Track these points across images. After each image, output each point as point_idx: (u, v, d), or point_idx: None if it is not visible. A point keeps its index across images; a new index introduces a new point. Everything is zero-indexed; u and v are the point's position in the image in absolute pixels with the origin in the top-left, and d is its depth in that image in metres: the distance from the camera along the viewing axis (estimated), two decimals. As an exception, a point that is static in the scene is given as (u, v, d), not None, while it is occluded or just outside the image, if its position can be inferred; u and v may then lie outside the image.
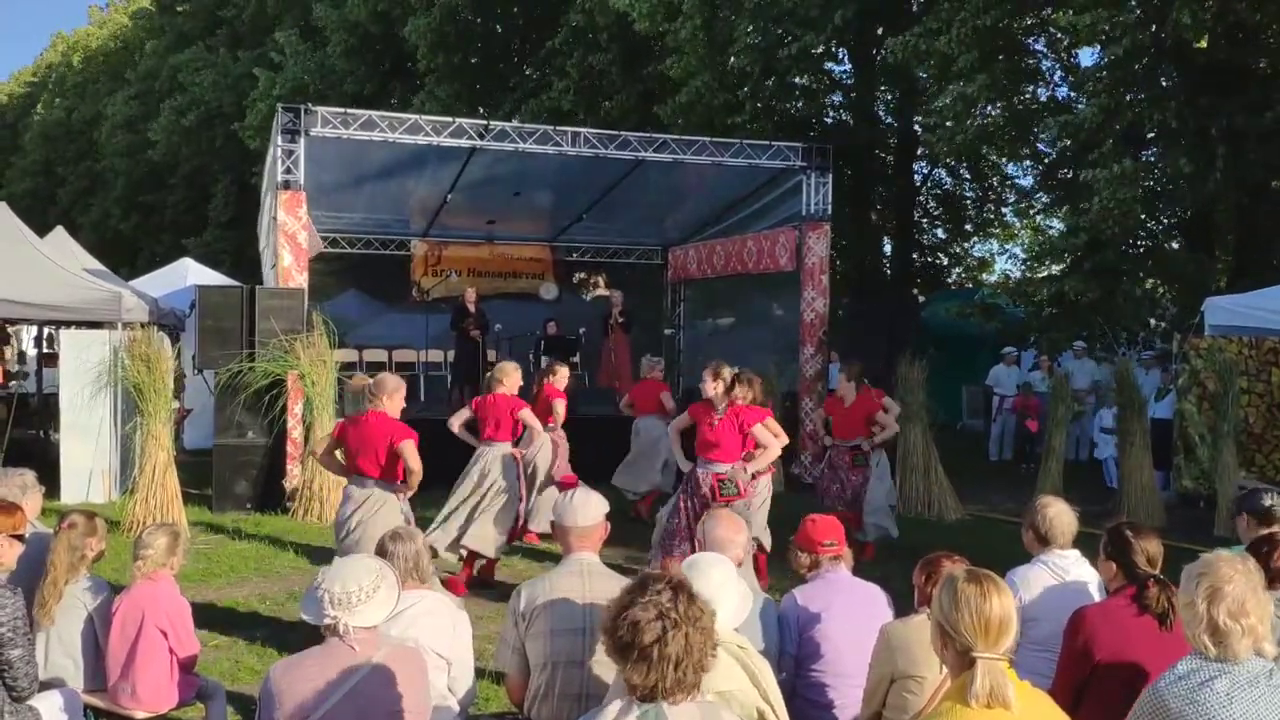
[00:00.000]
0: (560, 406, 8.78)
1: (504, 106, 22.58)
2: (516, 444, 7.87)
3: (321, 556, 8.34)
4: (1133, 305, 14.45)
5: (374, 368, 15.20)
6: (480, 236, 16.67)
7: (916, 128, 19.82)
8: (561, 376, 9.05)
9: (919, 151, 20.92)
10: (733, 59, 17.12)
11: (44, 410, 12.84)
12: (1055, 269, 15.71)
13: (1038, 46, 16.36)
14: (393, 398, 6.22)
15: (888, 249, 23.11)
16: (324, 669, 2.97)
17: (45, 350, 14.93)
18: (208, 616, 6.62)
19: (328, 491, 9.90)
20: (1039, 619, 3.96)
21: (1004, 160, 20.51)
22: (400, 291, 16.34)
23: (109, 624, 4.35)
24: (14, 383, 14.21)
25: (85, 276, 11.12)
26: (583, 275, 18.82)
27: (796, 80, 18.80)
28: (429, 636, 3.69)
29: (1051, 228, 18.67)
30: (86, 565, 4.45)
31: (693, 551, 6.61)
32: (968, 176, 22.39)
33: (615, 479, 9.95)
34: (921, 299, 21.15)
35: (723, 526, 3.90)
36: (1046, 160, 17.09)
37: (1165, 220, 15.83)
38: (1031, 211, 21.26)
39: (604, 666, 3.29)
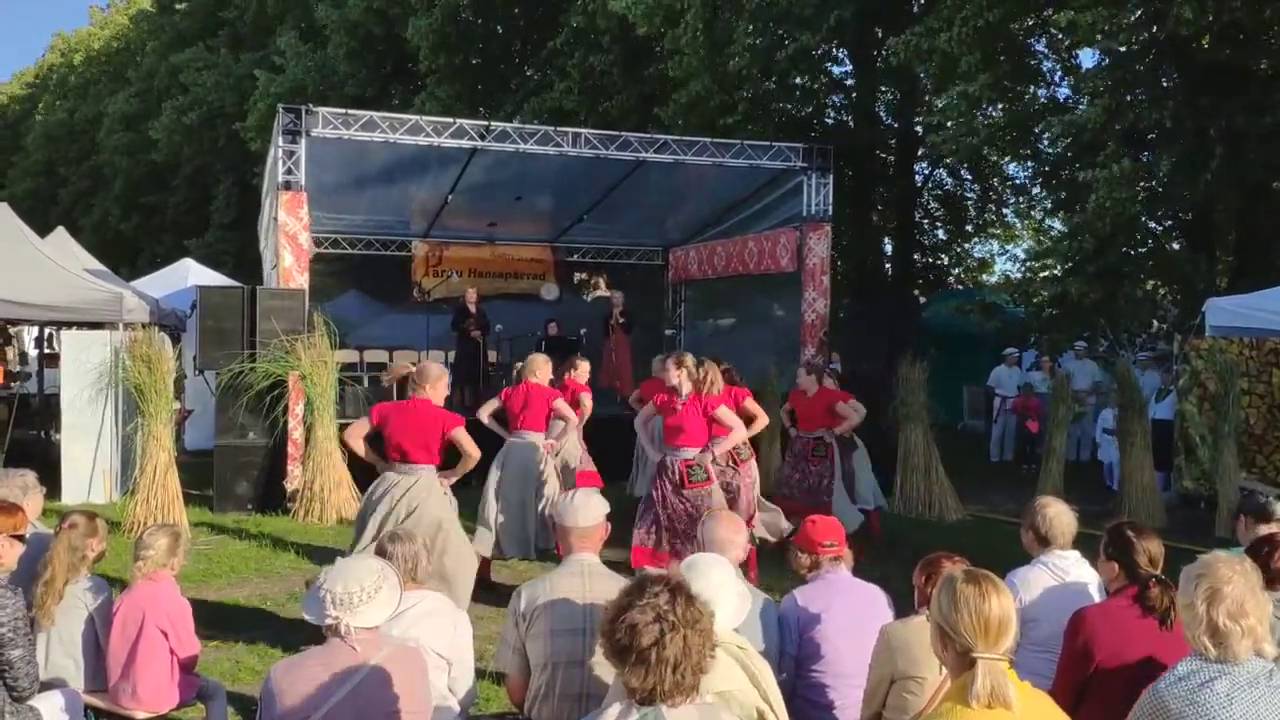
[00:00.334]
0: (587, 400, 8.80)
1: (505, 107, 22.59)
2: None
3: (322, 557, 8.34)
4: (1134, 306, 14.44)
5: (375, 368, 15.23)
6: (481, 237, 16.69)
7: (918, 128, 19.82)
8: (583, 370, 9.10)
9: (920, 152, 20.92)
10: (733, 61, 17.13)
11: (45, 411, 12.84)
12: (1056, 270, 15.70)
13: (1039, 47, 16.36)
14: (436, 385, 6.28)
15: (889, 249, 23.11)
16: (325, 669, 2.97)
17: (46, 351, 14.93)
18: (208, 617, 6.61)
19: (328, 492, 9.91)
20: (1039, 619, 3.96)
21: (1005, 160, 20.51)
22: (401, 292, 16.35)
23: (110, 624, 4.36)
24: (15, 383, 14.22)
25: (86, 277, 11.13)
26: (583, 276, 18.79)
27: (797, 81, 18.80)
28: (430, 637, 3.70)
29: (1053, 229, 18.66)
30: (87, 565, 4.45)
31: (658, 531, 6.72)
32: (969, 177, 22.38)
33: (637, 488, 9.71)
34: (922, 300, 21.14)
35: (722, 527, 3.90)
36: (1048, 161, 17.07)
37: (1166, 221, 15.81)
38: (1033, 212, 21.26)
39: (604, 667, 3.29)
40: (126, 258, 34.75)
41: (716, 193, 14.72)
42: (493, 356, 15.15)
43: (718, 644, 2.42)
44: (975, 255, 25.82)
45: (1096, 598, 3.93)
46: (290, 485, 10.41)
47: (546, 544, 7.25)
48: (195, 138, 33.18)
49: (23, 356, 16.81)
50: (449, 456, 6.35)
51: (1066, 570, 4.07)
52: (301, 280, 10.92)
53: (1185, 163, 12.87)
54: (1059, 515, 4.15)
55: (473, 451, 6.18)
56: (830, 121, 20.80)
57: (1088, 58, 16.12)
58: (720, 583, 3.11)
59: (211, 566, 8.07)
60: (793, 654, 3.89)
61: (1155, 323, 15.41)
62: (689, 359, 7.07)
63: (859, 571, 4.24)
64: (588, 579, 3.59)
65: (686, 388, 6.91)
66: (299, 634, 6.34)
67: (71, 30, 52.09)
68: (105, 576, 4.68)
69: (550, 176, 13.75)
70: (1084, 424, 14.07)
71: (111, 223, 39.51)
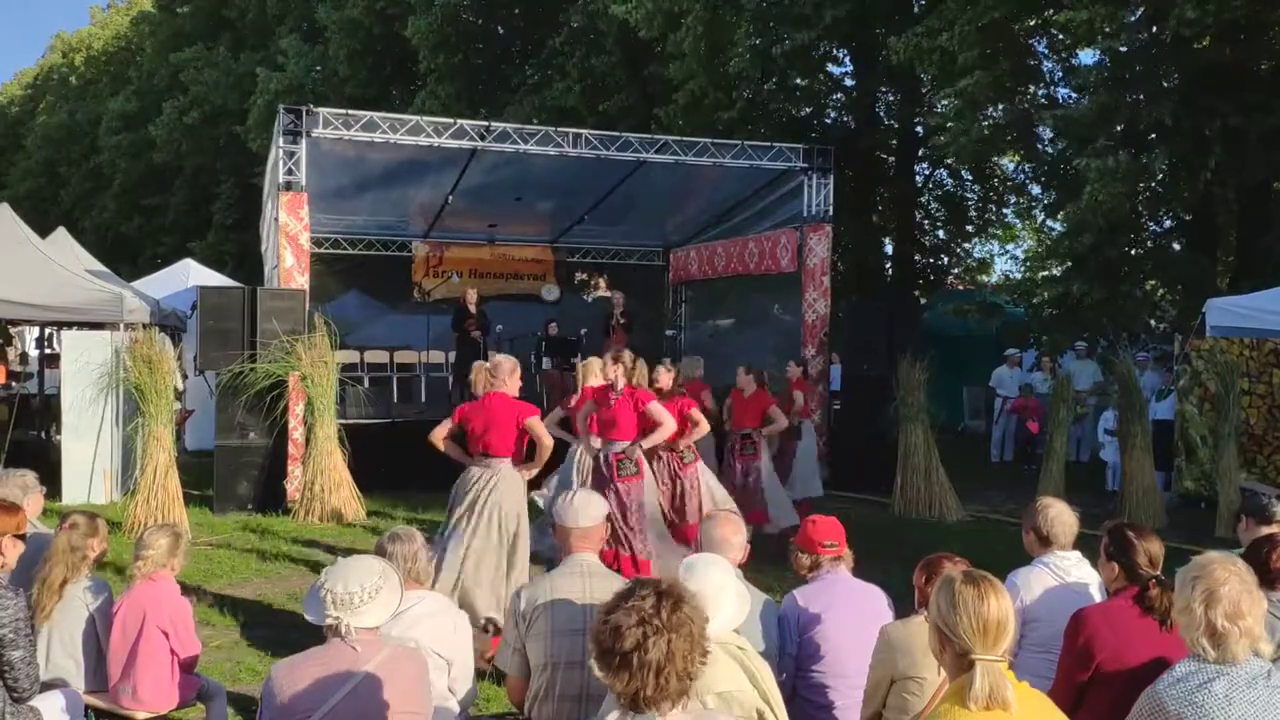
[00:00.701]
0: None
1: (506, 107, 22.57)
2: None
3: (323, 557, 8.35)
4: (1134, 306, 14.44)
5: (375, 369, 15.23)
6: (481, 238, 16.69)
7: (918, 129, 19.81)
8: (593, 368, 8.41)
9: (920, 152, 20.91)
10: (733, 62, 17.13)
11: (45, 411, 12.85)
12: (1057, 270, 15.71)
13: (1040, 48, 16.36)
14: (511, 378, 6.40)
15: (889, 250, 23.10)
16: (325, 669, 2.97)
17: (47, 351, 14.94)
18: (208, 617, 6.63)
19: (329, 493, 9.92)
20: (1040, 620, 3.96)
21: (1005, 160, 20.51)
22: (401, 292, 16.35)
23: (110, 624, 4.36)
24: (16, 383, 14.23)
25: (87, 277, 11.13)
26: (584, 276, 18.79)
27: (797, 81, 18.80)
28: (430, 637, 3.70)
29: (1053, 229, 18.65)
30: (88, 566, 4.46)
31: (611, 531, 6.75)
32: (969, 178, 22.37)
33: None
34: (923, 300, 21.13)
35: (721, 527, 3.90)
36: (1047, 160, 17.08)
37: (1167, 222, 15.82)
38: (1034, 212, 21.24)
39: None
40: (127, 258, 34.75)
41: (717, 193, 14.72)
42: (593, 361, 15.10)
43: (709, 650, 2.36)
44: (975, 256, 25.82)
45: (1098, 598, 3.92)
46: (290, 485, 10.42)
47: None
48: (195, 137, 33.18)
49: (23, 357, 16.84)
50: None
51: (1067, 571, 4.07)
52: (302, 281, 10.93)
53: (1184, 162, 12.87)
54: (1060, 516, 4.15)
55: (546, 440, 6.28)
56: (830, 122, 20.80)
57: (1088, 58, 16.13)
58: (720, 584, 3.11)
59: (212, 567, 8.08)
60: (793, 654, 3.89)
61: (1155, 323, 15.42)
62: (626, 355, 7.31)
63: (857, 571, 4.24)
64: (588, 579, 3.59)
65: (621, 383, 7.12)
66: (299, 634, 6.35)
67: (72, 31, 52.15)
68: (117, 571, 4.68)
69: (551, 177, 13.74)
70: (1084, 424, 14.07)
71: (112, 223, 39.51)
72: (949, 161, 20.14)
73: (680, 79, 18.14)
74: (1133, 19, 12.70)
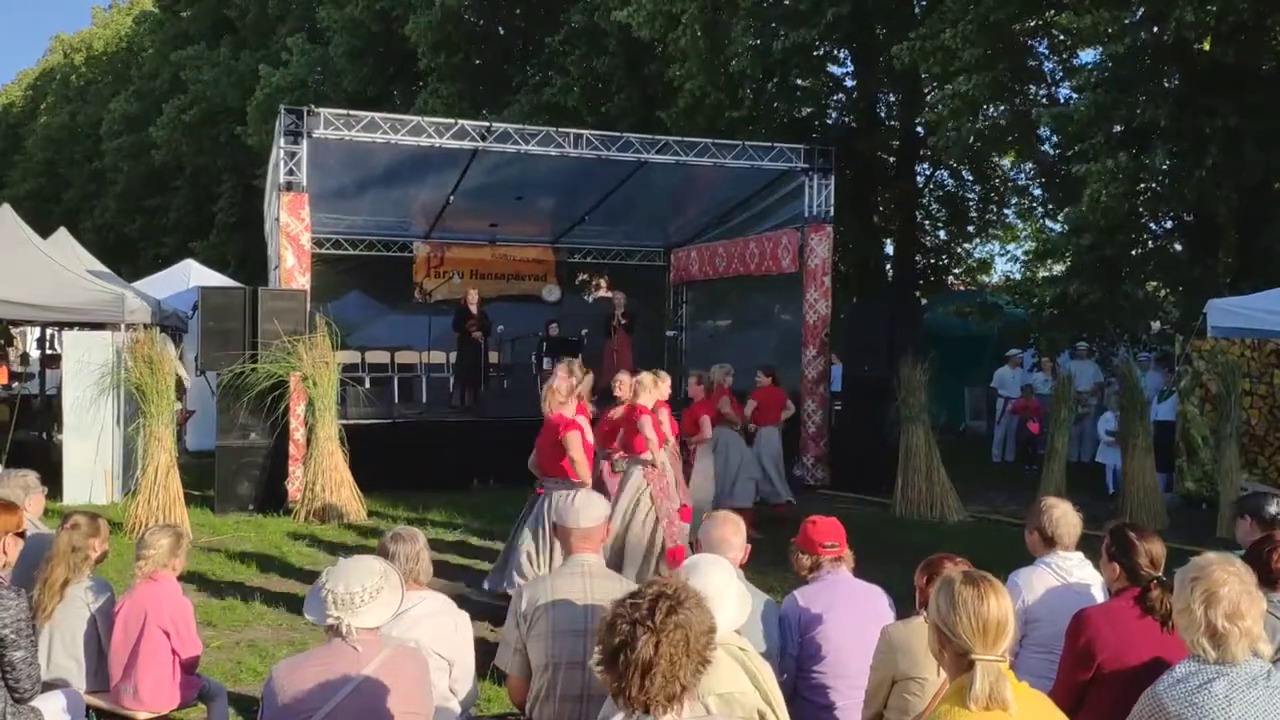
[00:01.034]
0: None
1: (508, 106, 22.56)
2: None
3: (324, 558, 8.36)
4: (1135, 307, 14.43)
5: (376, 369, 15.25)
6: (483, 238, 16.70)
7: (919, 129, 19.81)
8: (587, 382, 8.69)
9: (921, 153, 20.91)
10: (733, 62, 17.12)
11: (47, 411, 12.86)
12: (1057, 269, 15.71)
13: (1041, 49, 16.36)
14: (567, 400, 6.79)
15: (890, 251, 23.09)
16: (326, 669, 2.97)
17: (48, 351, 14.95)
18: (209, 618, 6.63)
19: (330, 493, 9.93)
20: (1041, 620, 3.96)
21: (1005, 160, 20.50)
22: (403, 293, 16.37)
23: (112, 625, 4.36)
24: (17, 384, 14.24)
25: (88, 278, 11.13)
26: (585, 277, 18.83)
27: (798, 82, 18.80)
28: (431, 637, 3.70)
29: (1053, 230, 18.65)
30: (89, 566, 4.46)
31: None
32: (970, 178, 22.37)
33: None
34: (924, 301, 21.13)
35: (721, 528, 3.90)
36: (1047, 161, 17.07)
37: (1167, 222, 15.81)
38: (1035, 212, 21.24)
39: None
40: (128, 258, 34.77)
41: (718, 194, 14.72)
42: (494, 358, 15.16)
43: (709, 659, 2.33)
44: (976, 256, 25.81)
45: (1100, 599, 3.92)
46: (291, 486, 10.42)
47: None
48: (195, 136, 33.19)
49: (24, 357, 16.85)
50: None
51: (1069, 571, 4.07)
52: (303, 281, 10.93)
53: (1183, 162, 12.86)
54: (1065, 516, 4.14)
55: (576, 457, 6.48)
56: (831, 123, 20.80)
57: (1088, 56, 16.13)
58: (722, 585, 3.11)
59: (213, 567, 8.08)
60: (794, 654, 3.89)
61: (1157, 324, 15.41)
62: (577, 366, 7.74)
63: (859, 572, 4.24)
64: (589, 580, 3.59)
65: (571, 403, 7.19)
66: (300, 634, 6.36)
67: (73, 32, 52.18)
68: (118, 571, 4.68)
69: (552, 177, 13.75)
70: (1085, 425, 14.07)
71: (114, 223, 39.54)
72: (950, 162, 20.15)
73: (680, 80, 18.13)
74: (1133, 20, 12.68)
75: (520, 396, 14.36)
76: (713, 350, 15.50)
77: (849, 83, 21.29)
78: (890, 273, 22.22)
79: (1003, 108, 15.69)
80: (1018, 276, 22.01)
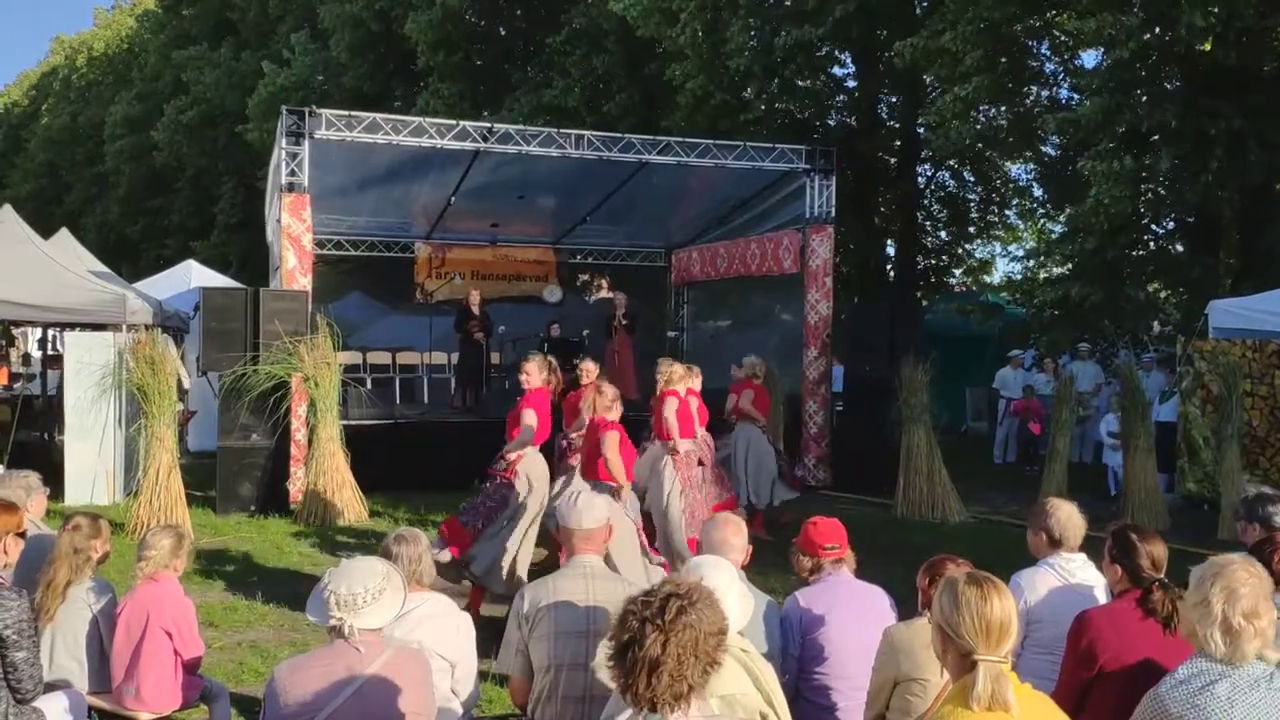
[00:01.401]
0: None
1: (508, 106, 22.56)
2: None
3: (325, 559, 8.36)
4: (1136, 308, 14.43)
5: (378, 370, 15.25)
6: (484, 239, 16.70)
7: (920, 130, 19.81)
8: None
9: (922, 154, 20.91)
10: (733, 60, 17.10)
11: (48, 412, 12.86)
12: (1058, 270, 15.70)
13: (1042, 50, 16.35)
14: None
15: (891, 251, 23.08)
16: (329, 670, 2.97)
17: (50, 352, 14.96)
18: (211, 618, 6.63)
19: (331, 494, 9.93)
20: (1043, 621, 3.96)
21: (1006, 161, 20.49)
22: (404, 294, 16.38)
23: (114, 625, 4.36)
24: (19, 384, 14.24)
25: (90, 278, 11.13)
26: (586, 277, 18.81)
27: (800, 82, 18.80)
28: (433, 639, 3.70)
29: (1054, 231, 18.65)
30: (91, 567, 4.46)
31: (484, 529, 6.79)
32: (971, 179, 22.36)
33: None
34: (925, 302, 21.13)
35: (722, 529, 3.90)
36: (1049, 162, 17.08)
37: (1169, 223, 15.81)
38: (1036, 213, 21.25)
39: (607, 670, 3.29)
40: (129, 259, 34.79)
41: (719, 194, 14.72)
42: (495, 358, 15.16)
43: (718, 660, 2.35)
44: (977, 256, 25.81)
45: (1102, 600, 3.92)
46: (293, 487, 10.42)
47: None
48: (196, 137, 33.21)
49: (26, 358, 16.85)
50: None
51: (1072, 573, 4.07)
52: (305, 282, 10.93)
53: (1186, 164, 12.86)
54: (1071, 517, 4.14)
55: (610, 457, 6.57)
56: (833, 124, 20.79)
57: (1090, 58, 16.13)
58: (724, 586, 3.11)
59: (214, 568, 8.08)
60: (795, 655, 3.89)
61: (1158, 325, 15.40)
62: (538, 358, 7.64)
63: (860, 573, 4.24)
64: (591, 581, 3.59)
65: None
66: (302, 635, 6.36)
67: (74, 33, 52.24)
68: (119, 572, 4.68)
69: (553, 178, 13.76)
70: (1087, 426, 14.06)
71: (116, 224, 39.56)
72: (951, 163, 20.15)
73: (681, 79, 18.11)
74: (1134, 22, 12.67)
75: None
76: (714, 351, 15.50)
77: (850, 84, 21.31)
78: (891, 273, 22.21)
79: (1003, 108, 15.68)
80: (1019, 277, 22.01)
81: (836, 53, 19.80)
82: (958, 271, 25.01)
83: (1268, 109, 12.55)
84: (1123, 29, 12.56)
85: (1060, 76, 16.54)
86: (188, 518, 9.10)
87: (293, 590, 7.42)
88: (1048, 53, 16.47)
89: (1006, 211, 22.98)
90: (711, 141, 12.99)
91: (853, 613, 3.91)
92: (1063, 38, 15.22)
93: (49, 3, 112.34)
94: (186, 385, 13.10)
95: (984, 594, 2.50)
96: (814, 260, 13.02)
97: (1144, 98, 13.36)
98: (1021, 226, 23.96)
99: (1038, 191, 19.19)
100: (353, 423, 11.03)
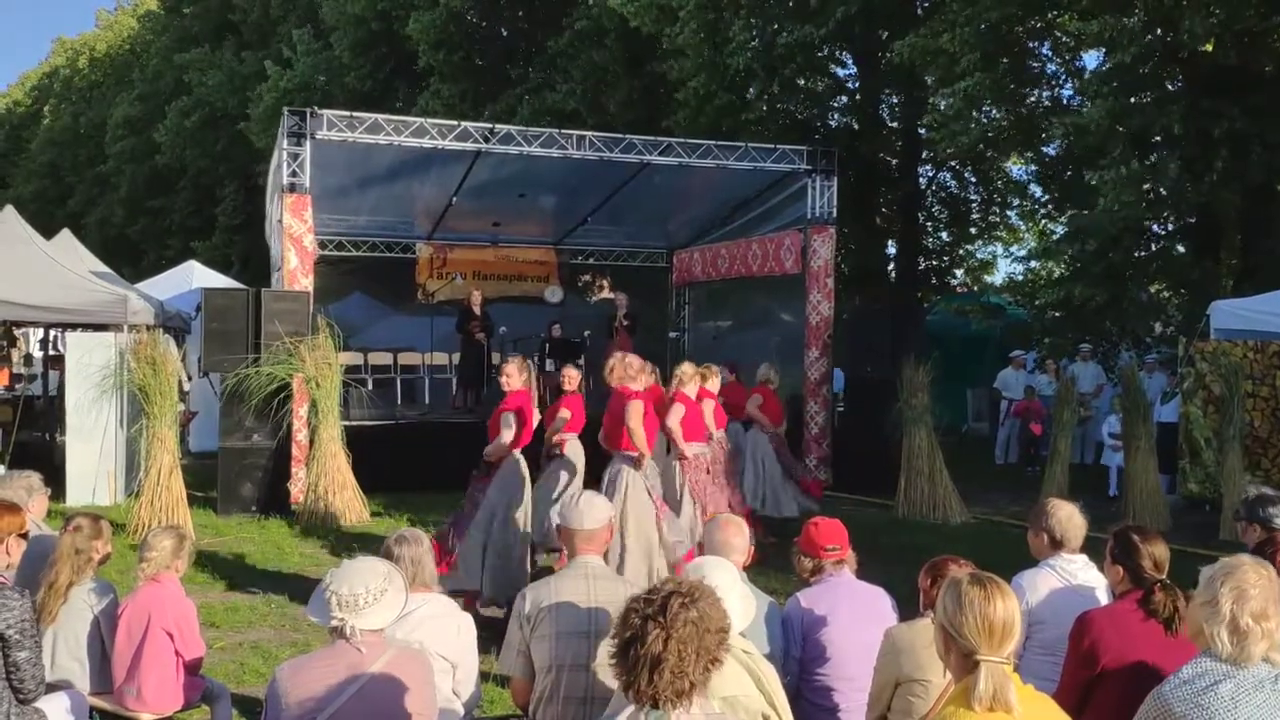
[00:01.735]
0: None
1: (508, 104, 22.55)
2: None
3: (326, 559, 8.36)
4: (1138, 310, 14.42)
5: (379, 370, 15.25)
6: (485, 239, 16.70)
7: (921, 131, 19.80)
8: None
9: (924, 155, 20.90)
10: (731, 60, 17.09)
11: (49, 412, 12.87)
12: (1059, 271, 15.69)
13: (1043, 50, 16.34)
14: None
15: (892, 252, 23.08)
16: (330, 671, 2.97)
17: (51, 353, 14.96)
18: (212, 619, 6.63)
19: (332, 494, 9.92)
20: (1045, 623, 3.95)
21: (1007, 162, 20.48)
22: (405, 294, 16.38)
23: (115, 626, 4.36)
24: (20, 385, 14.25)
25: (91, 279, 11.14)
26: (587, 278, 18.83)
27: (801, 83, 18.79)
28: (434, 639, 3.69)
29: (1055, 232, 18.63)
30: (92, 568, 4.46)
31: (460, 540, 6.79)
32: (972, 180, 22.36)
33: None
34: (926, 303, 21.13)
35: (724, 530, 3.90)
36: (1049, 162, 17.06)
37: (1170, 224, 15.80)
38: (1037, 215, 21.23)
39: (608, 670, 3.29)
40: (130, 259, 34.80)
41: (720, 195, 14.72)
42: (496, 359, 15.15)
43: (720, 659, 2.36)
44: (979, 257, 25.80)
45: (1104, 601, 3.91)
46: (294, 487, 10.42)
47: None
48: (199, 139, 33.23)
49: (28, 358, 16.85)
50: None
51: (1074, 574, 4.06)
52: (306, 282, 10.94)
53: (1189, 165, 12.86)
54: (1072, 517, 4.13)
55: (634, 426, 6.63)
56: (834, 124, 20.79)
57: (1091, 59, 16.12)
58: (726, 587, 3.11)
59: (216, 569, 8.09)
60: (797, 656, 3.88)
61: (1160, 326, 15.39)
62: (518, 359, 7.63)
63: (861, 574, 4.24)
64: (592, 582, 3.59)
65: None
66: (303, 636, 6.36)
67: (75, 34, 52.24)
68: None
69: (554, 178, 13.77)
70: (1088, 426, 14.06)
71: (115, 221, 39.59)
72: (953, 164, 20.13)
73: (681, 78, 18.10)
74: (1135, 24, 12.66)
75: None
76: (715, 352, 15.50)
77: (851, 85, 21.29)
78: (893, 274, 22.21)
79: (1005, 109, 15.66)
80: (1020, 278, 22.02)
81: (837, 53, 19.79)
82: (959, 272, 25.00)
83: (1268, 109, 12.55)
84: (1124, 31, 12.56)
85: (1062, 78, 16.53)
86: (189, 518, 9.10)
87: (294, 591, 7.42)
88: (1049, 53, 16.46)
89: (1008, 212, 22.97)
90: (713, 142, 13.00)
91: (854, 613, 3.91)
92: (1064, 38, 15.20)
93: (50, 3, 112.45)
94: (186, 387, 13.11)
95: (988, 594, 2.50)
96: (815, 261, 13.02)
97: (1147, 99, 13.35)
98: (1023, 227, 23.95)
99: (1038, 192, 19.16)
100: (354, 423, 11.03)
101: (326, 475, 9.99)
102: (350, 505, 9.99)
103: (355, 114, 11.54)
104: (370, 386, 13.66)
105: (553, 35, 22.68)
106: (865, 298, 19.91)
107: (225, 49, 34.51)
